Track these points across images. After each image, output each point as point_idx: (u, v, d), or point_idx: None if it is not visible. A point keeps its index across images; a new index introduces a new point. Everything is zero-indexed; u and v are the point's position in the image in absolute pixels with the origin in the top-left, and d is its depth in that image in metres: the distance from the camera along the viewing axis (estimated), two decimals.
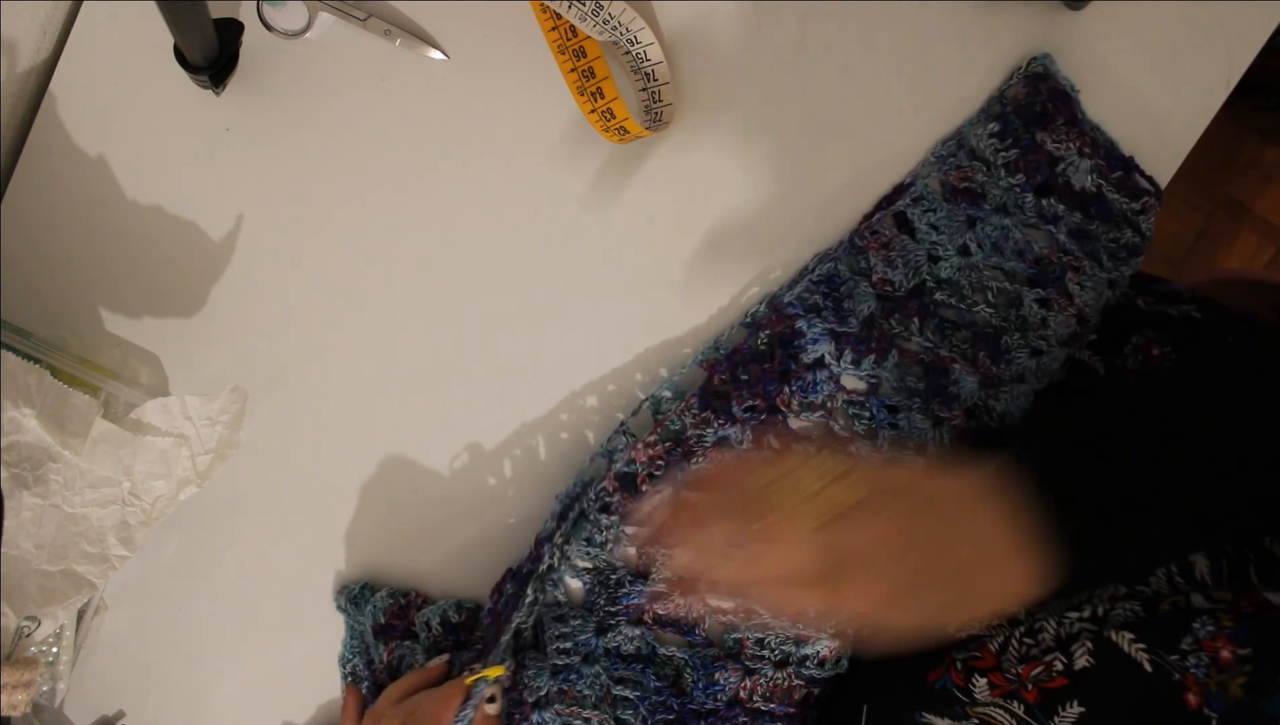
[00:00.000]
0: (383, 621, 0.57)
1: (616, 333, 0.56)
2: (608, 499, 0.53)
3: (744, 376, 0.52)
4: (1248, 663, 0.35)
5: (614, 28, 0.51)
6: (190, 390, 0.55)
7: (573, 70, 0.52)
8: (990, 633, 0.45)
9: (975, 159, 0.52)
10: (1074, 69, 0.52)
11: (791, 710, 0.52)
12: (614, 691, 0.52)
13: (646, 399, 0.55)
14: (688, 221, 0.55)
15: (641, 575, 0.53)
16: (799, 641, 0.52)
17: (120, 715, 0.61)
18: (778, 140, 0.54)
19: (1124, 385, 0.44)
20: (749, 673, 0.52)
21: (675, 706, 0.53)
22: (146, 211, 0.56)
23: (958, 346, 0.52)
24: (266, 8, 0.53)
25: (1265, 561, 0.39)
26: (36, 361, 0.52)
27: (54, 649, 0.57)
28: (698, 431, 0.52)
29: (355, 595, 0.58)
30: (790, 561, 0.36)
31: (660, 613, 0.53)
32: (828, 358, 0.51)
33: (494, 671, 0.50)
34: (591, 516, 0.53)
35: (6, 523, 0.51)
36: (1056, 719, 0.38)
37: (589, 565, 0.53)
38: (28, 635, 0.52)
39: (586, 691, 0.52)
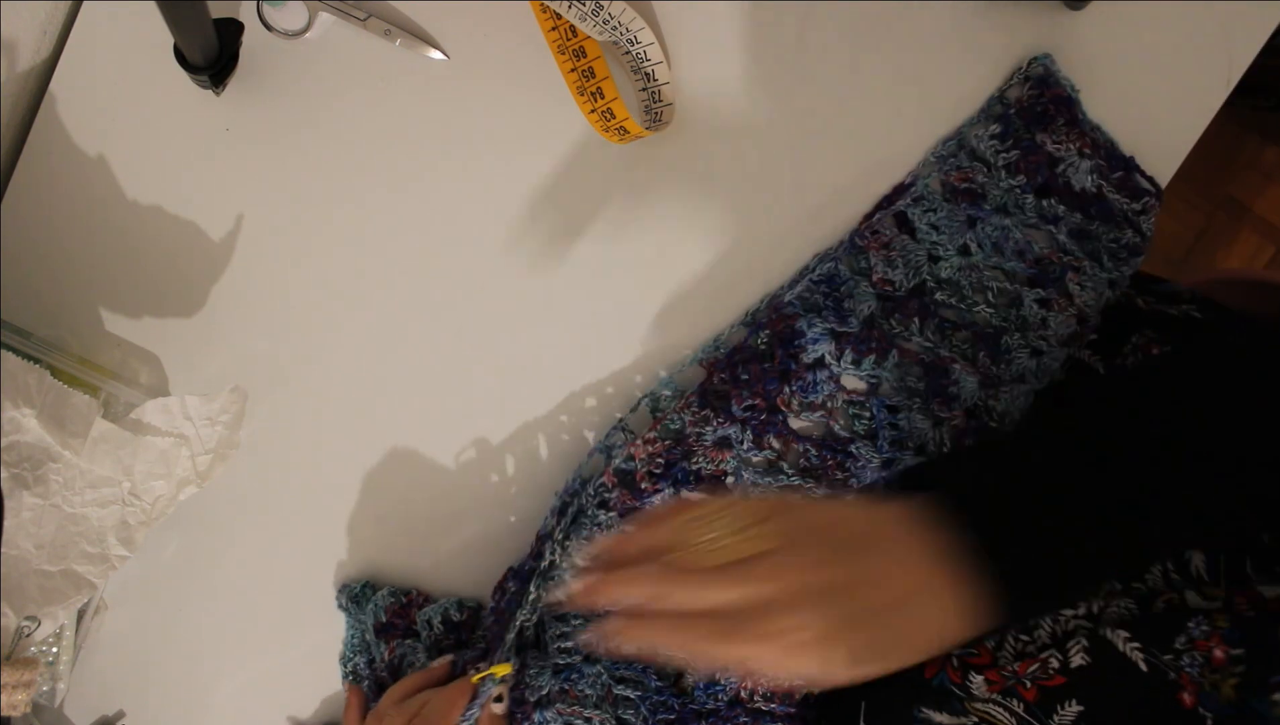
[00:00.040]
0: (384, 620, 0.57)
1: (616, 333, 0.56)
2: (606, 495, 0.53)
3: (744, 376, 0.52)
4: (1240, 663, 0.35)
5: (614, 28, 0.51)
6: (190, 390, 0.55)
7: (573, 70, 0.52)
8: None
9: (976, 160, 0.52)
10: (1074, 69, 0.51)
11: (792, 710, 0.52)
12: (615, 691, 0.52)
13: (645, 396, 0.55)
14: (688, 221, 0.55)
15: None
16: None
17: (120, 715, 0.61)
18: (778, 140, 0.54)
19: (1123, 384, 0.44)
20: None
21: (676, 706, 0.53)
22: (146, 211, 0.56)
23: (958, 346, 0.52)
24: (266, 8, 0.53)
25: (1261, 554, 0.39)
26: (36, 361, 0.52)
27: (54, 649, 0.57)
28: (697, 430, 0.53)
29: (356, 594, 0.58)
30: (706, 602, 0.35)
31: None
32: (828, 357, 0.51)
33: (501, 670, 0.50)
34: (590, 512, 0.53)
35: (6, 523, 0.51)
36: (1056, 717, 0.38)
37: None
38: (28, 635, 0.52)
39: (588, 691, 0.52)
